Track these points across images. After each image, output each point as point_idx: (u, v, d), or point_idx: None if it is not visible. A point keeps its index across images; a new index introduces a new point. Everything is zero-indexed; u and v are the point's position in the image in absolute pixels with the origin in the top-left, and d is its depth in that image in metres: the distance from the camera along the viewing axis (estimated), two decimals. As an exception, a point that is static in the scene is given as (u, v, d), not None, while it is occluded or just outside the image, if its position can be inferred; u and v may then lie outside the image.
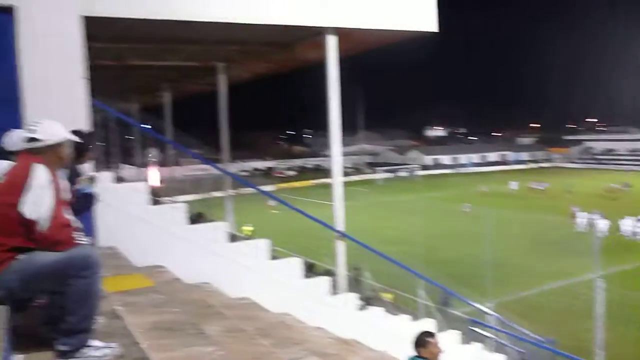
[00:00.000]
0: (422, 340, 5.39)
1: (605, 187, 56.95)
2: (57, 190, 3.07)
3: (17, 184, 2.98)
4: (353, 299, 9.16)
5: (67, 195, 3.25)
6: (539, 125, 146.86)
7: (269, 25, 8.66)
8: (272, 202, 41.58)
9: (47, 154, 3.13)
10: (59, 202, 3.06)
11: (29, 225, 2.95)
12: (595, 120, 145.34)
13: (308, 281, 8.69)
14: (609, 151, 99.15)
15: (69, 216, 3.13)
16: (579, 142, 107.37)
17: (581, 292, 20.90)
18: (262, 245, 8.17)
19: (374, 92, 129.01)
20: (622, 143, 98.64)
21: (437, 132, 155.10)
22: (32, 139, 3.13)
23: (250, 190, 12.46)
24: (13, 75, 5.55)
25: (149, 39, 10.87)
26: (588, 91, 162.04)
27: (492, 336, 13.17)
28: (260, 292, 7.66)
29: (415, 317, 11.37)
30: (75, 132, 4.08)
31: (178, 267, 6.98)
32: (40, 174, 3.01)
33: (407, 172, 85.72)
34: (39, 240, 2.97)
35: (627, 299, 20.87)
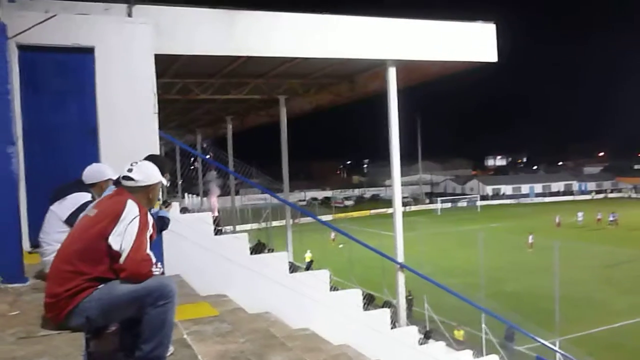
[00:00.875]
0: None
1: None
2: (145, 226, 3.25)
3: (111, 216, 3.18)
4: (413, 331, 9.01)
5: (152, 233, 3.42)
6: (606, 154, 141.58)
7: (331, 59, 8.85)
8: (333, 235, 41.50)
9: (140, 193, 3.36)
10: (144, 237, 3.22)
11: (114, 256, 3.12)
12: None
13: (368, 313, 8.62)
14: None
15: (150, 252, 3.28)
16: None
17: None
18: (322, 276, 8.20)
19: (434, 121, 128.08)
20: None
21: (498, 161, 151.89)
22: (130, 178, 3.34)
23: (309, 219, 12.56)
24: (92, 109, 5.91)
25: (214, 74, 11.29)
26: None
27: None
28: (321, 323, 7.66)
29: (479, 352, 11.05)
30: (151, 157, 4.30)
31: (240, 297, 7.08)
32: (132, 210, 3.21)
33: (466, 202, 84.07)
34: (119, 271, 3.11)
35: None
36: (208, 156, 22.98)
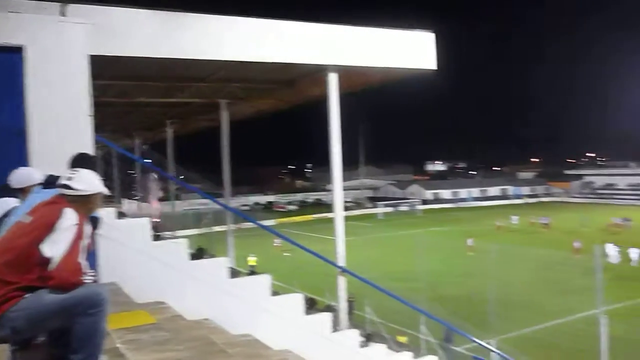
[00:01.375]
0: None
1: (608, 222, 56.86)
2: (80, 235, 3.13)
3: (46, 224, 3.05)
4: (354, 335, 9.07)
5: (87, 242, 3.29)
6: (539, 160, 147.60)
7: (272, 63, 8.83)
8: (278, 241, 41.24)
9: (80, 202, 3.22)
10: (78, 246, 3.10)
11: (44, 264, 2.99)
12: (595, 155, 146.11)
13: (310, 317, 8.62)
14: (609, 185, 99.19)
15: (83, 261, 3.16)
16: (580, 176, 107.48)
17: (586, 328, 20.65)
18: (263, 281, 8.14)
19: (376, 127, 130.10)
20: (622, 178, 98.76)
21: (438, 166, 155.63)
22: (70, 187, 3.21)
23: (252, 225, 12.48)
24: (21, 111, 5.67)
25: (153, 77, 11.05)
26: (588, 126, 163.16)
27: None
28: (262, 329, 7.59)
29: (418, 354, 11.24)
30: (80, 156, 4.16)
31: (180, 303, 6.94)
32: (70, 218, 3.09)
33: (407, 206, 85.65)
34: (47, 279, 2.98)
35: (634, 335, 20.64)
36: (147, 161, 22.47)
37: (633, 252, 38.11)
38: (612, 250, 38.64)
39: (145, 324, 5.28)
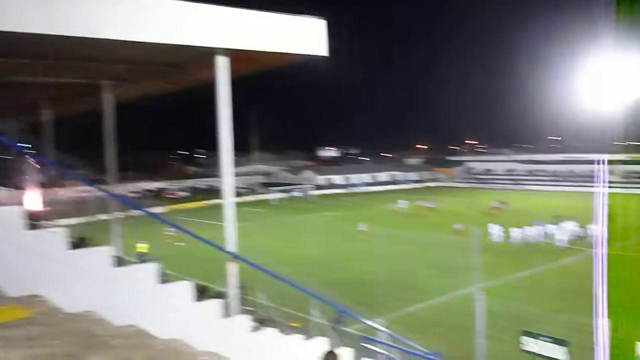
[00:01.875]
0: None
1: (487, 205, 60.89)
2: None
3: None
4: (245, 320, 9.06)
5: None
6: (425, 147, 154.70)
7: (159, 44, 8.49)
8: (171, 230, 39.97)
9: None
10: None
11: None
12: (476, 142, 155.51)
13: (199, 304, 8.50)
14: (488, 171, 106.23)
15: None
16: (461, 162, 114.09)
17: (466, 304, 22.04)
18: (150, 269, 7.90)
19: (268, 113, 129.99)
20: (499, 163, 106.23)
21: (330, 152, 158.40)
22: None
23: (142, 212, 12.03)
24: None
25: (28, 55, 10.26)
26: (469, 115, 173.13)
27: (383, 351, 13.49)
28: (149, 318, 7.37)
29: (309, 336, 11.43)
30: None
31: (58, 296, 6.57)
32: None
33: (300, 192, 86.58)
34: None
35: (508, 308, 22.34)
36: (23, 145, 20.90)
37: (514, 231, 41.37)
38: (495, 230, 41.67)
39: (18, 318, 4.94)
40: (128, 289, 7.40)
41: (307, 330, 16.36)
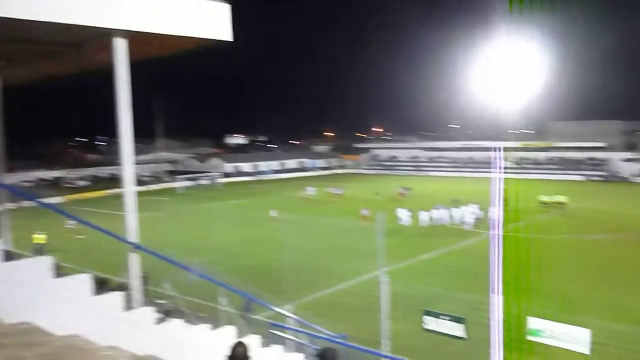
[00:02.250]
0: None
1: (392, 191, 62.85)
2: None
3: None
4: (149, 312, 8.80)
5: None
6: (332, 134, 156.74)
7: (52, 23, 7.96)
8: (71, 222, 37.89)
9: None
10: None
11: None
12: (382, 130, 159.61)
13: (99, 298, 8.14)
14: (393, 158, 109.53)
15: None
16: (368, 150, 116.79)
17: (372, 287, 22.67)
18: (45, 262, 7.46)
19: (175, 99, 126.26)
20: (403, 151, 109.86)
21: (238, 140, 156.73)
22: None
23: (35, 203, 11.31)
24: None
25: None
26: (375, 103, 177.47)
27: (291, 337, 13.62)
28: (44, 315, 6.97)
29: (217, 325, 11.30)
30: None
31: None
32: None
33: (208, 180, 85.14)
34: None
35: (412, 289, 23.21)
36: None
37: (422, 215, 43.09)
38: (402, 214, 43.09)
39: None
40: (20, 285, 6.94)
41: (215, 320, 16.18)
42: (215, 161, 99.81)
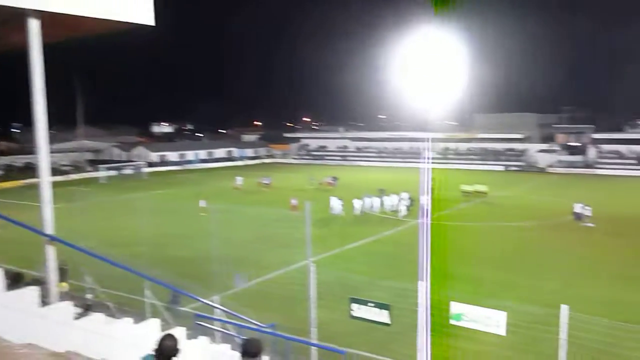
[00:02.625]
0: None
1: (320, 180, 63.29)
2: None
3: None
4: (68, 307, 8.43)
5: None
6: (261, 123, 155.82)
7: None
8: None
9: None
10: None
11: None
12: (311, 119, 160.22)
13: (12, 293, 7.71)
14: (322, 148, 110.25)
15: None
16: (297, 139, 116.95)
17: (301, 276, 22.76)
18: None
19: (97, 85, 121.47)
20: (332, 141, 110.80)
21: (164, 128, 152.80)
22: None
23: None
24: None
25: None
26: (304, 93, 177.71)
27: (218, 328, 13.49)
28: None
29: (143, 318, 11.00)
30: None
31: None
32: None
33: (132, 169, 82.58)
34: None
35: (340, 278, 23.48)
36: None
37: (354, 203, 43.58)
38: (335, 203, 43.46)
39: None
40: None
41: (140, 313, 15.77)
42: (139, 150, 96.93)
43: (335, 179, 63.95)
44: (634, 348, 16.38)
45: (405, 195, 45.42)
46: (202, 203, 44.95)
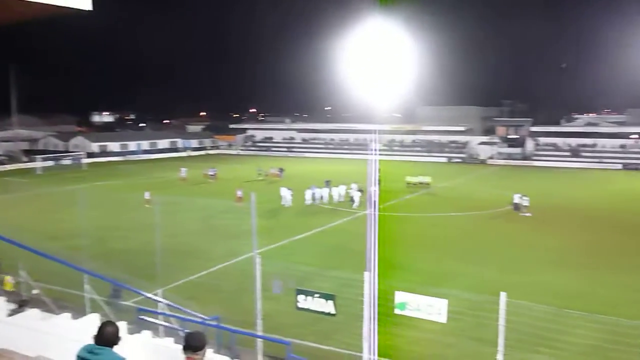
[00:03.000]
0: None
1: (266, 172, 63.03)
2: None
3: None
4: (1, 304, 8.08)
5: None
6: (207, 114, 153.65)
7: None
8: None
9: None
10: None
11: None
12: (257, 110, 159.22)
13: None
14: (268, 139, 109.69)
15: None
16: (243, 130, 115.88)
17: (247, 268, 22.61)
18: None
19: (34, 72, 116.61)
20: (279, 132, 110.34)
21: (105, 117, 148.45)
22: None
23: None
24: None
25: None
26: (251, 84, 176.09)
27: (161, 322, 13.26)
28: None
29: (82, 313, 10.69)
30: None
31: None
32: None
33: (71, 160, 79.84)
34: None
35: (287, 269, 23.46)
36: None
37: (290, 196, 43.69)
38: (286, 193, 43.39)
39: None
40: None
41: (80, 308, 15.33)
42: (78, 140, 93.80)
43: (281, 170, 63.83)
44: (564, 332, 17.17)
45: (354, 186, 45.92)
46: (147, 195, 43.92)
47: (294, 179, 57.06)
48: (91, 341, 4.89)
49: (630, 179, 65.86)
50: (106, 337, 4.85)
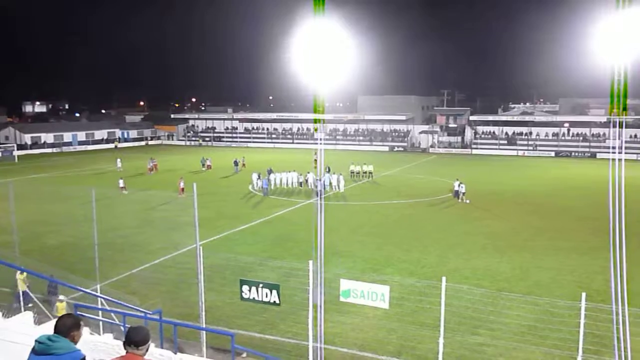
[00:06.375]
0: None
1: (208, 162, 62.15)
2: None
3: None
4: None
5: None
6: (146, 104, 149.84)
7: None
8: None
9: None
10: None
11: None
12: (198, 100, 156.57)
13: None
14: (210, 129, 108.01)
15: None
16: (184, 120, 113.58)
17: (190, 260, 22.25)
18: None
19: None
20: (221, 122, 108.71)
21: (37, 107, 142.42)
22: None
23: None
24: None
25: None
26: (192, 73, 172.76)
27: (100, 318, 12.90)
28: None
29: (14, 311, 10.24)
30: None
31: None
32: None
33: (1, 152, 76.27)
34: None
35: (230, 260, 23.28)
36: None
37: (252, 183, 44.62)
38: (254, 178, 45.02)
39: None
40: None
41: (10, 307, 14.74)
42: (8, 131, 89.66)
43: (153, 161, 62.55)
44: (501, 313, 17.81)
45: (294, 174, 46.04)
46: (121, 182, 42.96)
47: (249, 168, 56.51)
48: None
49: (562, 166, 68.73)
50: (67, 325, 4.74)
